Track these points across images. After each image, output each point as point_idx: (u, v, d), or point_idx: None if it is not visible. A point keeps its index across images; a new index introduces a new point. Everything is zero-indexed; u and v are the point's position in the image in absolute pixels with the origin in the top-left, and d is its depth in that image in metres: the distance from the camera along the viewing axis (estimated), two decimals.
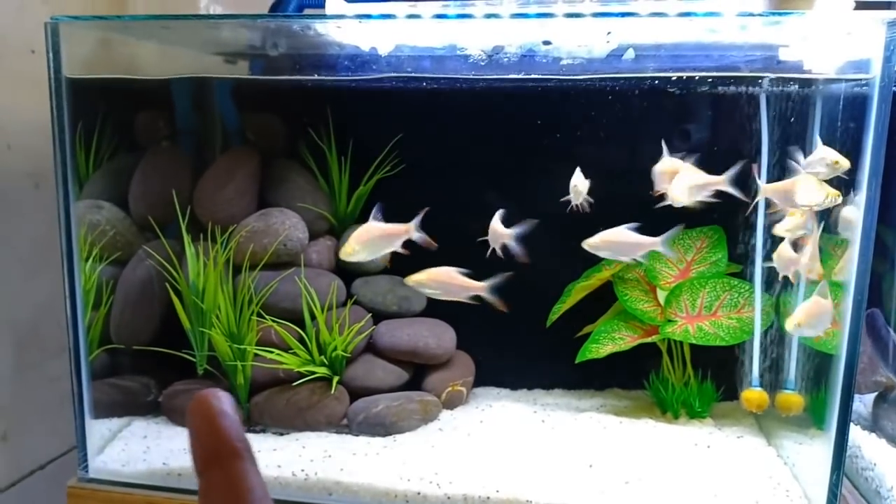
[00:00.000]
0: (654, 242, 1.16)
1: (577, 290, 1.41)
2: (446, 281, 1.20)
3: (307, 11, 1.27)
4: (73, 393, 1.23)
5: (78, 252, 1.20)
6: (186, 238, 1.30)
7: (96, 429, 1.27)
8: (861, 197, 0.98)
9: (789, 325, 1.12)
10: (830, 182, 1.06)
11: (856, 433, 1.29)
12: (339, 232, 1.47)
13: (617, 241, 1.17)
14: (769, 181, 1.22)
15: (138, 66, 1.40)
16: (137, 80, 1.39)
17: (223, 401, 0.37)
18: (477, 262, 1.47)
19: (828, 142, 1.12)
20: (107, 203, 1.35)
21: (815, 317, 1.10)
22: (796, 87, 1.23)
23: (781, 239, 1.17)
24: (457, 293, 1.20)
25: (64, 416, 1.28)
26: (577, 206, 1.20)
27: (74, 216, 1.19)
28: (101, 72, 1.30)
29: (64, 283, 1.20)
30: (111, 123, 1.34)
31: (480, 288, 1.20)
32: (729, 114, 1.33)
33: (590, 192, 1.19)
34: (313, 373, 1.31)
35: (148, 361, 1.35)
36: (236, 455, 0.35)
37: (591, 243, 1.18)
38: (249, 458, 0.36)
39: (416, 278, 1.20)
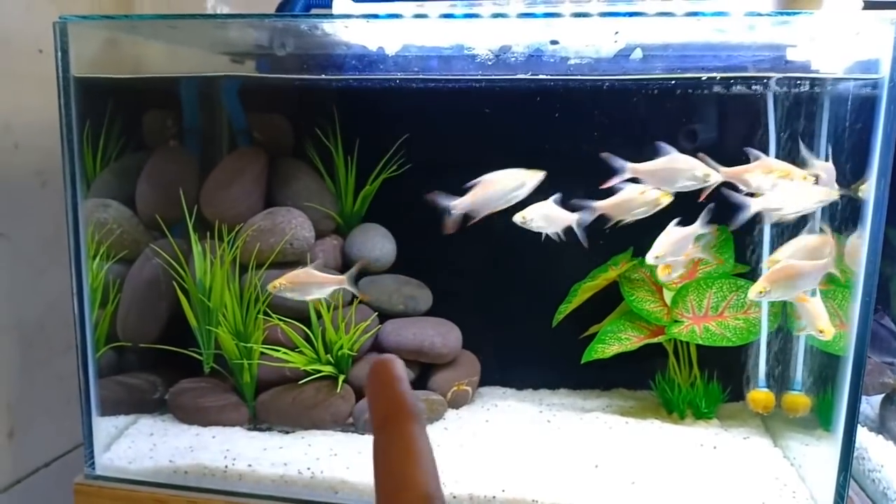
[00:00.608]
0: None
1: (584, 290, 1.41)
2: (305, 281, 1.23)
3: (314, 11, 1.28)
4: (80, 390, 1.23)
5: (85, 250, 1.21)
6: (193, 237, 1.31)
7: (103, 426, 1.27)
8: (870, 198, 0.97)
9: (752, 293, 1.09)
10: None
11: (863, 435, 1.28)
12: (345, 231, 1.47)
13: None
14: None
15: (145, 66, 1.40)
16: (144, 79, 1.40)
17: (400, 368, 0.40)
18: (479, 259, 1.48)
19: (836, 142, 1.12)
20: (114, 202, 1.36)
21: (783, 279, 1.08)
22: (804, 87, 1.22)
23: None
24: (318, 291, 1.24)
25: (70, 414, 1.29)
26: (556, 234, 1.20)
27: (82, 215, 1.19)
28: (108, 71, 1.30)
29: (71, 281, 1.20)
30: (118, 123, 1.35)
31: (339, 281, 1.24)
32: (736, 114, 1.33)
33: (596, 193, 1.19)
34: (319, 371, 1.31)
35: (154, 359, 1.36)
36: (411, 417, 0.38)
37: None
38: (422, 421, 0.39)
39: (275, 284, 1.22)
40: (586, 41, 1.20)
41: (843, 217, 1.14)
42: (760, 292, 1.09)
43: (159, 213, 1.35)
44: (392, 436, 0.38)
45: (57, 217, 1.20)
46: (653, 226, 1.33)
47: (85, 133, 1.20)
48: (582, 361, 1.38)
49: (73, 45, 1.13)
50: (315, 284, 1.23)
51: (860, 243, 1.01)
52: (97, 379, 1.25)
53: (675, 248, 1.18)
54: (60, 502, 1.28)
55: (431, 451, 0.38)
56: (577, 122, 1.38)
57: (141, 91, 1.40)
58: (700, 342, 1.32)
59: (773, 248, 1.27)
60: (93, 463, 1.25)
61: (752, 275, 1.35)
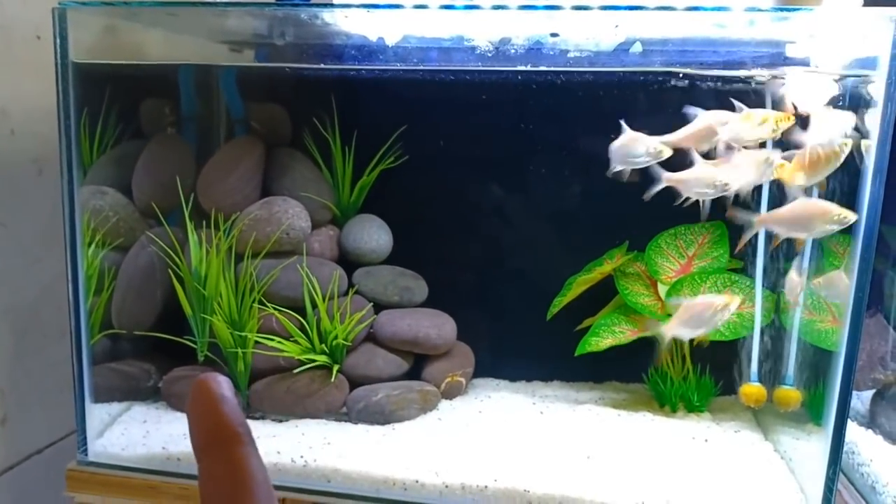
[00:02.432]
0: None
1: (578, 284, 1.42)
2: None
3: (314, 0, 1.27)
4: (74, 377, 1.23)
5: (81, 237, 1.20)
6: (189, 225, 1.31)
7: (96, 413, 1.27)
8: (865, 194, 0.98)
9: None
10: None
11: (852, 429, 1.30)
12: (341, 222, 1.47)
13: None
14: None
15: (144, 53, 1.40)
16: (143, 67, 1.39)
17: (223, 385, 0.36)
18: (474, 252, 1.49)
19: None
20: (110, 189, 1.36)
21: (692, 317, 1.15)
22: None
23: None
24: None
25: (63, 401, 1.29)
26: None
27: (78, 202, 1.19)
28: (106, 58, 1.30)
29: (67, 268, 1.20)
30: (116, 110, 1.34)
31: None
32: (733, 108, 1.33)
33: (591, 187, 1.19)
34: (314, 361, 1.32)
35: (149, 347, 1.36)
36: (237, 439, 0.35)
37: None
38: (250, 442, 0.35)
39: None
40: (586, 34, 1.20)
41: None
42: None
43: (156, 201, 1.35)
44: (216, 462, 0.34)
45: (53, 204, 1.20)
46: (648, 222, 1.35)
47: (82, 120, 1.20)
48: (576, 354, 1.38)
49: (72, 31, 1.13)
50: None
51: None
52: (91, 366, 1.25)
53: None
54: (53, 489, 1.28)
55: (265, 471, 0.35)
56: (576, 114, 1.38)
57: (139, 79, 1.40)
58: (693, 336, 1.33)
59: (767, 243, 1.28)
60: (85, 449, 1.25)
61: (746, 270, 1.36)
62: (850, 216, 1.04)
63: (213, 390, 0.35)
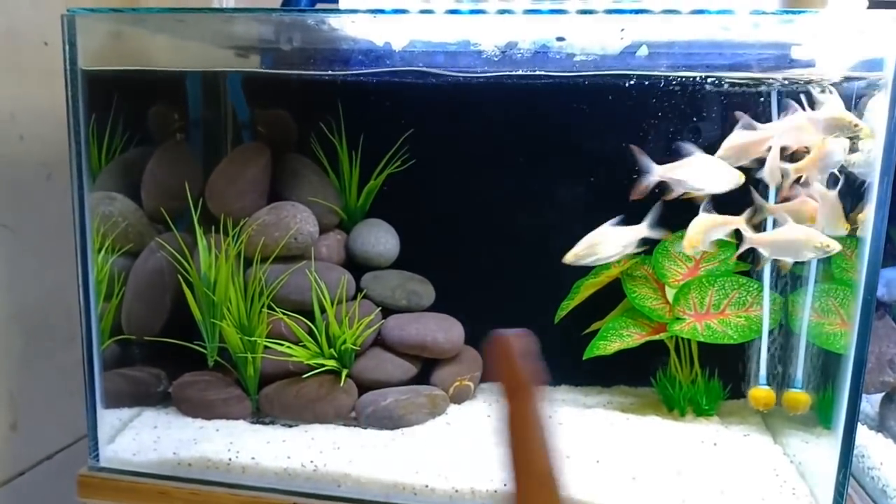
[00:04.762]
0: None
1: (586, 287, 1.42)
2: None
3: (320, 6, 1.28)
4: (85, 382, 1.24)
5: (91, 243, 1.21)
6: (198, 230, 1.31)
7: (107, 418, 1.28)
8: (872, 196, 0.98)
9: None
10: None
11: (862, 433, 1.29)
12: (348, 226, 1.48)
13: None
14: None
15: (152, 60, 1.41)
16: (151, 72, 1.40)
17: (525, 343, 0.45)
18: (482, 255, 1.49)
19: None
20: (119, 195, 1.36)
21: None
22: (809, 85, 1.23)
23: None
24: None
25: (73, 406, 1.29)
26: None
27: (88, 207, 1.20)
28: (114, 64, 1.31)
29: (77, 274, 1.21)
30: (124, 116, 1.35)
31: None
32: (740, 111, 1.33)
33: (599, 190, 1.20)
34: (322, 365, 1.32)
35: (159, 352, 1.36)
36: (530, 394, 0.43)
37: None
38: (539, 398, 0.44)
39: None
40: (592, 38, 1.20)
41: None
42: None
43: (164, 206, 1.36)
44: (517, 413, 0.43)
45: (61, 209, 1.21)
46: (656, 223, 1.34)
47: (91, 126, 1.20)
48: (584, 358, 1.38)
49: (81, 37, 1.13)
50: None
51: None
52: (102, 371, 1.26)
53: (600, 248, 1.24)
54: (64, 494, 1.28)
55: (548, 424, 0.42)
56: (582, 118, 1.38)
57: (147, 84, 1.40)
58: (701, 339, 1.33)
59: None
60: (97, 455, 1.25)
61: (753, 273, 1.36)
62: (834, 247, 1.09)
63: (511, 345, 0.44)
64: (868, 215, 0.99)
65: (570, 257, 1.26)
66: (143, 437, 1.29)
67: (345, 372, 1.34)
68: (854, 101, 1.13)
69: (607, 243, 1.24)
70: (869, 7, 1.00)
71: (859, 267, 1.01)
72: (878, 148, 0.97)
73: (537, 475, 0.39)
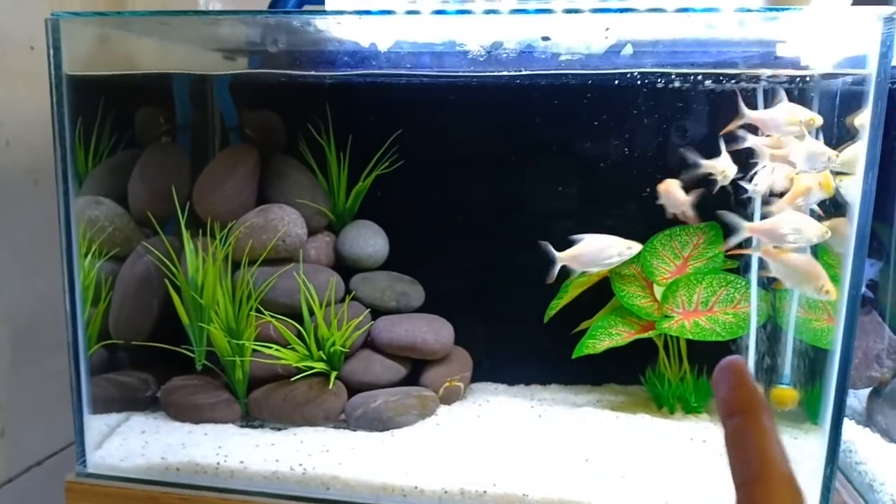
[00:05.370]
0: None
1: (575, 286, 1.42)
2: None
3: (307, 7, 1.28)
4: (72, 388, 1.23)
5: (77, 248, 1.20)
6: (185, 234, 1.31)
7: (94, 424, 1.27)
8: (857, 191, 0.99)
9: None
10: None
11: (850, 428, 1.30)
12: (337, 228, 1.47)
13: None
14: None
15: (137, 63, 1.40)
16: (137, 76, 1.40)
17: (747, 367, 0.44)
18: (471, 256, 1.49)
19: (825, 138, 1.13)
20: (106, 199, 1.36)
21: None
22: (793, 82, 1.24)
23: None
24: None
25: (62, 412, 1.28)
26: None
27: (74, 212, 1.19)
28: (100, 68, 1.30)
29: (63, 279, 1.20)
30: (111, 119, 1.35)
31: None
32: (725, 109, 1.34)
33: (587, 190, 1.20)
34: (311, 368, 1.32)
35: (146, 357, 1.36)
36: (763, 408, 0.42)
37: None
38: (769, 413, 0.43)
39: None
40: (577, 37, 1.20)
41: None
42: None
43: (151, 210, 1.35)
44: (750, 424, 0.42)
45: (49, 215, 1.20)
46: (641, 223, 1.35)
47: (77, 130, 1.20)
48: (573, 357, 1.38)
49: (66, 41, 1.13)
50: None
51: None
52: (89, 377, 1.25)
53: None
54: (53, 501, 1.27)
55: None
56: (569, 117, 1.38)
57: (133, 88, 1.40)
58: (690, 337, 1.33)
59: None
60: (84, 461, 1.25)
61: (741, 270, 1.36)
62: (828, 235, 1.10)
63: (744, 366, 0.44)
64: (853, 210, 1.00)
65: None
66: (130, 443, 1.28)
67: (334, 374, 1.33)
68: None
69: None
70: (853, 4, 1.01)
71: (844, 262, 1.02)
72: (863, 142, 0.97)
73: (777, 478, 0.39)
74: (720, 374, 0.44)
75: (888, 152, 0.98)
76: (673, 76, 1.28)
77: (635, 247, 1.26)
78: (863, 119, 1.02)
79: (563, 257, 1.24)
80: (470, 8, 1.07)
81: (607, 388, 1.52)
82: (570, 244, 1.25)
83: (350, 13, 1.11)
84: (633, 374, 1.45)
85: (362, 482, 1.17)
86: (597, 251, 1.25)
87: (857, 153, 0.99)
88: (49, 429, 1.43)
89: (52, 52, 1.13)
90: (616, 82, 1.30)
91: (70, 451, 1.33)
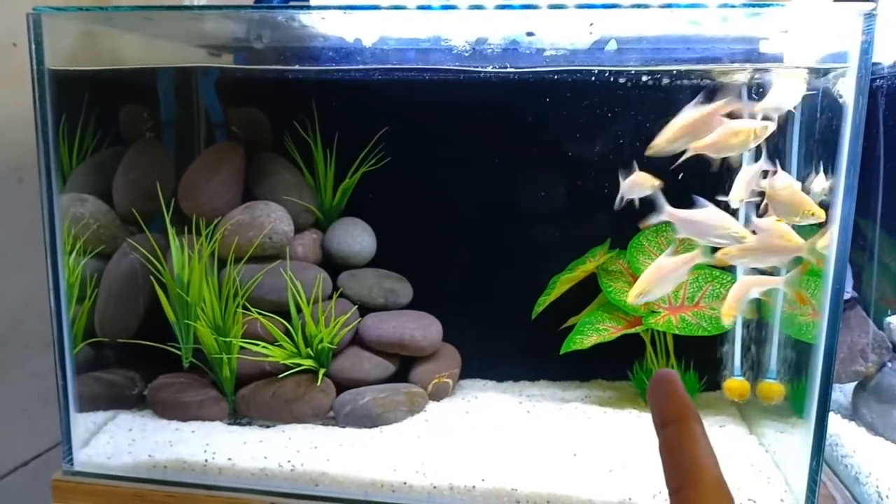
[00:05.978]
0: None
1: (562, 282, 1.42)
2: None
3: (291, 2, 1.27)
4: (58, 386, 1.22)
5: (62, 245, 1.20)
6: (171, 231, 1.30)
7: (81, 422, 1.26)
8: (840, 186, 0.99)
9: (631, 297, 1.15)
10: None
11: (836, 421, 1.31)
12: (324, 225, 1.47)
13: None
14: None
15: (121, 59, 1.39)
16: (121, 72, 1.39)
17: (678, 378, 0.45)
18: (459, 253, 1.49)
19: (807, 133, 1.13)
20: (91, 196, 1.35)
21: (655, 281, 1.14)
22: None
23: None
24: None
25: (48, 413, 1.27)
26: None
27: (58, 210, 1.18)
28: (83, 64, 1.29)
29: (48, 277, 1.19)
30: (95, 116, 1.34)
31: None
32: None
33: (573, 186, 1.20)
34: (299, 365, 1.31)
35: (133, 355, 1.35)
36: (694, 416, 0.43)
37: None
38: (700, 421, 0.44)
39: None
40: (562, 33, 1.20)
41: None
42: (638, 295, 1.14)
43: (136, 207, 1.34)
44: (682, 432, 0.43)
45: (33, 213, 1.19)
46: (630, 218, 1.35)
47: (61, 127, 1.19)
48: (561, 352, 1.39)
49: (48, 37, 1.12)
50: None
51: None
52: (75, 375, 1.24)
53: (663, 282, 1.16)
54: (40, 501, 1.27)
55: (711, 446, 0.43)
56: (555, 114, 1.39)
57: (117, 84, 1.39)
58: (676, 332, 1.34)
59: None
60: (71, 459, 1.24)
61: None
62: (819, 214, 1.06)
63: (674, 379, 0.45)
64: (835, 204, 1.00)
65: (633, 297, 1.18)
66: (118, 441, 1.28)
67: (322, 371, 1.33)
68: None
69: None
70: (835, 0, 1.01)
71: (827, 257, 1.02)
72: (846, 135, 0.98)
73: (708, 483, 0.41)
74: (654, 385, 0.45)
75: (870, 147, 0.98)
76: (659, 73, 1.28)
77: (745, 234, 1.11)
78: (767, 104, 1.04)
79: (672, 213, 1.10)
80: (455, 3, 1.06)
81: (595, 383, 1.52)
82: (557, 247, 1.24)
83: (335, 8, 1.10)
84: (621, 369, 1.46)
85: (351, 478, 1.17)
86: (712, 225, 1.10)
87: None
88: (36, 429, 1.42)
89: (33, 47, 1.11)
90: (597, 78, 1.31)
91: (58, 451, 1.32)
